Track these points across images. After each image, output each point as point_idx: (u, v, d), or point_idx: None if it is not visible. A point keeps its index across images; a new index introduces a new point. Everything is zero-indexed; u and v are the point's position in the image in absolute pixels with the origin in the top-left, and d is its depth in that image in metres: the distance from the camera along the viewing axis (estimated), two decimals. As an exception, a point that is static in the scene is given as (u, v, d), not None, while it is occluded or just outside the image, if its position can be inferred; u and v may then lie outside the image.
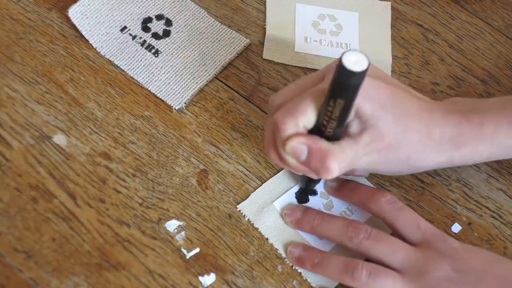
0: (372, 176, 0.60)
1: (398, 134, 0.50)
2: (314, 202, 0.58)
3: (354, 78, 0.44)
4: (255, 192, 0.58)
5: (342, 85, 0.45)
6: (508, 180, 0.62)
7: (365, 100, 0.49)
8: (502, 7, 0.73)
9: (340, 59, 0.43)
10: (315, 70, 0.66)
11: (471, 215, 0.60)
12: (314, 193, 0.59)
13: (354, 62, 0.43)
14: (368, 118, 0.50)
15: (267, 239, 0.57)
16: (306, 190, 0.59)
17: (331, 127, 0.49)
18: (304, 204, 0.58)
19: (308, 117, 0.50)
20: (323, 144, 0.50)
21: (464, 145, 0.53)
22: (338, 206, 0.59)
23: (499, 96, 0.59)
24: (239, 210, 0.58)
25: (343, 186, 0.58)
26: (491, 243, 0.59)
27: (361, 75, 0.44)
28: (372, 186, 0.60)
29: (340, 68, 0.43)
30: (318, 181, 0.58)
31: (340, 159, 0.50)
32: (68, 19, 0.64)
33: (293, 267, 0.56)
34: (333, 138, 0.50)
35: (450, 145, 0.53)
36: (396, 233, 0.55)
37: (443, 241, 0.53)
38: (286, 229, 0.57)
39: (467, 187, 0.61)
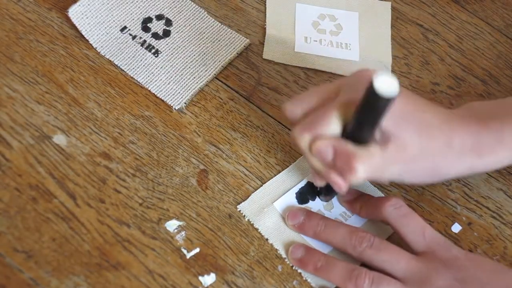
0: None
1: (421, 145, 0.50)
2: (314, 202, 0.58)
3: (386, 102, 0.44)
4: (255, 192, 0.58)
5: (373, 108, 0.45)
6: (508, 180, 0.62)
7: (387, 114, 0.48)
8: (502, 7, 0.73)
9: (371, 84, 0.43)
10: (315, 70, 0.66)
11: (471, 215, 0.60)
12: (313, 198, 0.59)
13: (385, 85, 0.43)
14: (391, 131, 0.49)
15: (267, 239, 0.56)
16: (315, 191, 0.59)
17: (358, 139, 0.49)
18: (305, 205, 0.58)
19: (331, 131, 0.50)
20: (349, 146, 0.49)
21: (485, 153, 0.52)
22: (338, 207, 0.58)
23: None
24: (239, 211, 0.57)
25: (356, 201, 0.58)
26: (491, 243, 0.59)
27: (393, 99, 0.44)
28: (382, 194, 0.60)
29: (372, 93, 0.44)
30: (332, 195, 0.58)
31: (367, 162, 0.49)
32: (68, 19, 0.64)
33: (293, 267, 0.56)
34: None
35: (471, 154, 0.52)
36: (401, 239, 0.55)
37: (447, 250, 0.53)
38: (286, 230, 0.57)
39: (467, 187, 0.61)
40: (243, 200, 0.58)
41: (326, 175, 0.51)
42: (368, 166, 0.49)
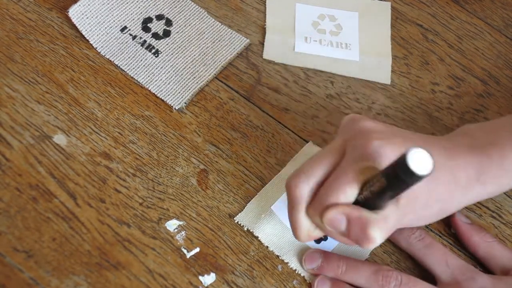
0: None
1: (430, 190, 0.48)
2: None
3: (420, 179, 0.41)
4: (250, 202, 0.58)
5: (403, 184, 0.42)
6: (508, 180, 0.62)
7: None
8: (501, 7, 0.73)
9: (404, 160, 0.40)
10: (315, 70, 0.66)
11: (471, 214, 0.60)
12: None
13: (418, 161, 0.40)
14: None
15: (267, 247, 0.56)
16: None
17: (374, 207, 0.47)
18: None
19: (345, 200, 0.48)
20: (363, 212, 0.47)
21: (489, 182, 0.52)
22: None
23: (509, 115, 0.57)
24: (237, 222, 0.57)
25: None
26: (491, 243, 0.59)
27: (427, 176, 0.41)
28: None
29: (404, 171, 0.41)
30: None
31: (383, 227, 0.46)
32: (68, 19, 0.64)
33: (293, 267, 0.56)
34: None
35: (476, 185, 0.51)
36: (425, 269, 0.55)
37: (473, 281, 0.53)
38: (286, 235, 0.57)
39: (467, 187, 0.61)
40: (243, 200, 0.58)
41: (341, 241, 0.49)
42: (385, 230, 0.47)
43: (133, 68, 0.63)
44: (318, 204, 0.48)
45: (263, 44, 0.67)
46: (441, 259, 0.54)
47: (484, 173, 0.51)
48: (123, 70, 0.63)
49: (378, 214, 0.47)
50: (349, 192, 0.47)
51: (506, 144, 0.52)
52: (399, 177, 0.41)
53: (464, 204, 0.53)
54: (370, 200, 0.46)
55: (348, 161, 0.48)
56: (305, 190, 0.49)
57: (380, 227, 0.46)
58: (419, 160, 0.40)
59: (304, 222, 0.50)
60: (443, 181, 0.49)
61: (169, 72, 0.64)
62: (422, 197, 0.48)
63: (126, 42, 0.65)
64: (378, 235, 0.46)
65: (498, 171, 0.52)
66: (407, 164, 0.40)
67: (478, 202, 0.60)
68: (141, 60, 0.64)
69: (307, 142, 0.62)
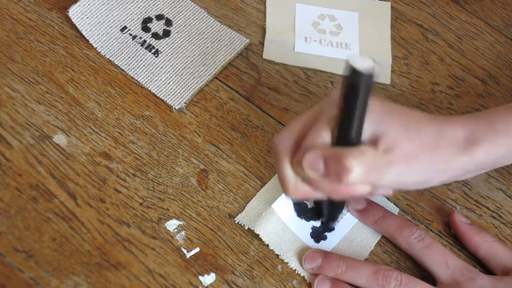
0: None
1: (411, 139, 0.48)
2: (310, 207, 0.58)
3: (365, 78, 0.44)
4: (250, 202, 0.58)
5: (356, 90, 0.44)
6: (508, 180, 0.62)
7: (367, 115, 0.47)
8: (501, 7, 0.73)
9: (347, 63, 0.44)
10: (315, 70, 0.66)
11: (471, 214, 0.60)
12: (331, 229, 0.58)
13: (361, 63, 0.43)
14: (377, 130, 0.47)
15: (267, 245, 0.56)
16: (327, 224, 0.58)
17: (347, 143, 0.48)
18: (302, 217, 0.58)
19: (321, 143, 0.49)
20: (338, 149, 0.47)
21: (482, 143, 0.50)
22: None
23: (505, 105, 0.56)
24: (238, 222, 0.57)
25: (369, 211, 0.58)
26: (491, 243, 0.59)
27: (372, 75, 0.44)
28: (392, 205, 0.60)
29: (351, 71, 0.44)
30: (340, 207, 0.56)
31: (360, 160, 0.46)
32: (68, 19, 0.64)
33: (293, 267, 0.56)
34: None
35: (467, 143, 0.49)
36: (425, 270, 0.55)
37: (473, 281, 0.53)
38: (286, 233, 0.57)
39: (467, 186, 0.61)
40: (243, 200, 0.58)
41: (326, 191, 0.49)
42: (362, 164, 0.47)
43: (133, 68, 0.63)
44: (299, 153, 0.49)
45: (263, 44, 0.67)
46: (441, 260, 0.54)
47: (474, 133, 0.50)
48: (123, 70, 0.63)
49: (353, 149, 0.47)
50: (325, 135, 0.48)
51: (494, 112, 0.52)
52: (347, 84, 0.45)
53: (461, 165, 0.50)
54: (340, 135, 0.47)
55: (324, 111, 0.49)
56: (287, 143, 0.50)
57: (356, 158, 0.47)
58: (363, 63, 0.44)
59: (290, 174, 0.50)
60: (427, 133, 0.49)
61: (169, 72, 0.64)
62: (404, 145, 0.48)
63: (126, 42, 0.65)
64: (354, 165, 0.46)
65: (489, 132, 0.50)
66: (350, 65, 0.43)
67: (478, 202, 0.60)
68: (141, 60, 0.64)
69: (307, 142, 0.62)
